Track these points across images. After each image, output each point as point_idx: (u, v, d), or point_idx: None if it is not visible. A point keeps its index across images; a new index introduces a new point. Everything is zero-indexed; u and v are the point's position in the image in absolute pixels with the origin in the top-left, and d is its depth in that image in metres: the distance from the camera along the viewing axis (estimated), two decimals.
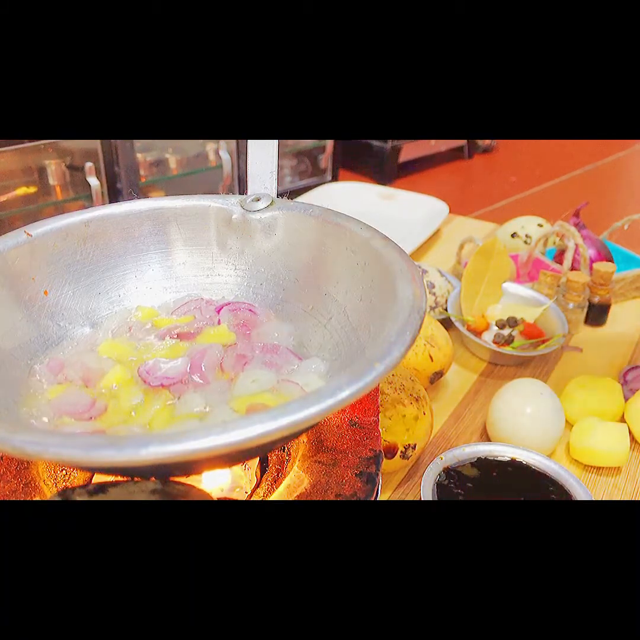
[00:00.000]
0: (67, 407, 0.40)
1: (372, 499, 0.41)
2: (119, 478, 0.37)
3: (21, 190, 1.63)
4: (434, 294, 0.87)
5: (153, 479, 0.37)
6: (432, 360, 0.71)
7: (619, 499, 0.62)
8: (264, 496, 0.47)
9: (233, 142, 2.12)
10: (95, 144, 1.71)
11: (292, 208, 0.47)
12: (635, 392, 0.72)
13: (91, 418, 0.39)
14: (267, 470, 0.49)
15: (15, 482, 0.42)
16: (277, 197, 0.48)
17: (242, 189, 2.15)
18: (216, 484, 0.49)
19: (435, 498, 0.54)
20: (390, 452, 0.58)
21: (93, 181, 1.68)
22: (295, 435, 0.41)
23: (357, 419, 0.45)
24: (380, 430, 0.45)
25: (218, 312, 0.47)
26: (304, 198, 1.30)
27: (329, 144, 2.38)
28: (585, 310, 0.89)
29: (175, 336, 0.45)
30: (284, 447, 0.49)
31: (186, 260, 0.50)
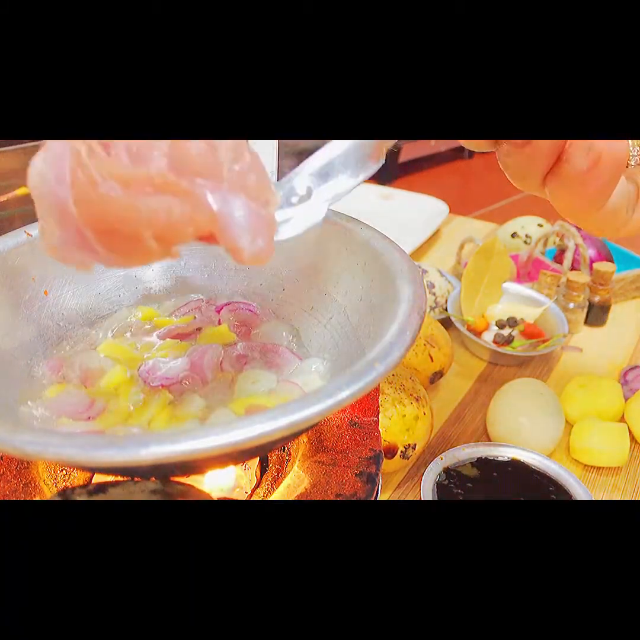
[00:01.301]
0: (66, 407, 0.39)
1: (372, 499, 0.41)
2: (119, 478, 0.37)
3: (21, 190, 1.63)
4: (434, 294, 0.87)
5: (153, 479, 0.37)
6: (432, 360, 0.71)
7: (619, 499, 0.62)
8: (264, 496, 0.47)
9: None
10: None
11: None
12: (635, 392, 0.72)
13: (89, 418, 0.39)
14: (267, 470, 0.49)
15: (15, 482, 0.42)
16: None
17: None
18: (216, 484, 0.49)
19: (435, 498, 0.54)
20: (390, 452, 0.58)
21: None
22: (296, 435, 0.41)
23: (357, 419, 0.45)
24: (380, 430, 0.45)
25: (218, 312, 0.47)
26: None
27: None
28: (585, 310, 0.89)
29: (176, 336, 0.45)
30: (284, 447, 0.49)
31: (186, 260, 0.50)
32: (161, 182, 0.30)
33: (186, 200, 0.30)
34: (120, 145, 0.30)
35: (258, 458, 0.49)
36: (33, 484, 0.42)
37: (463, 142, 0.35)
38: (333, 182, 0.36)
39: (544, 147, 0.32)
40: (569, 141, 0.32)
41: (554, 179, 0.33)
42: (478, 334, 0.83)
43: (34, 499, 0.41)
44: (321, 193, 0.36)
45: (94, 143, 0.30)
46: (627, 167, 0.33)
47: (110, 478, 0.38)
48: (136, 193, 0.29)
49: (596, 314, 0.90)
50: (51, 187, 0.30)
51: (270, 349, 0.44)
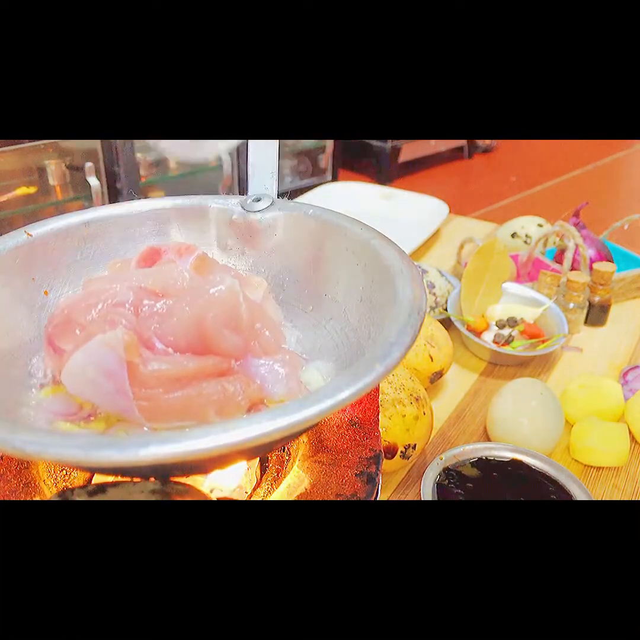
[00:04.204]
0: (62, 408, 0.39)
1: (372, 499, 0.41)
2: (119, 478, 0.37)
3: (21, 190, 1.63)
4: (434, 294, 0.87)
5: (153, 479, 0.37)
6: (432, 360, 0.71)
7: (619, 499, 0.62)
8: (264, 496, 0.47)
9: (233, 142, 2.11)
10: (95, 144, 1.70)
11: (292, 208, 0.47)
12: (635, 392, 0.72)
13: (88, 418, 0.39)
14: (267, 470, 0.49)
15: (15, 482, 0.42)
16: (277, 197, 0.48)
17: (242, 189, 2.15)
18: (216, 484, 0.49)
19: (435, 498, 0.54)
20: (390, 452, 0.58)
21: (93, 181, 1.68)
22: (296, 436, 0.41)
23: (357, 419, 0.45)
24: (380, 430, 0.45)
25: None
26: (304, 198, 1.30)
27: (329, 144, 2.38)
28: (585, 310, 0.89)
29: None
30: (284, 447, 0.49)
31: None
32: (212, 370, 0.36)
33: (235, 378, 0.36)
34: (158, 343, 0.36)
35: (258, 458, 0.49)
36: (33, 484, 0.42)
37: None
38: None
39: None
40: None
41: None
42: (478, 334, 0.83)
43: (34, 499, 0.41)
44: None
45: (140, 349, 0.35)
46: None
47: (110, 478, 0.38)
48: (195, 384, 0.35)
49: (596, 314, 0.90)
50: (111, 397, 0.34)
51: None
